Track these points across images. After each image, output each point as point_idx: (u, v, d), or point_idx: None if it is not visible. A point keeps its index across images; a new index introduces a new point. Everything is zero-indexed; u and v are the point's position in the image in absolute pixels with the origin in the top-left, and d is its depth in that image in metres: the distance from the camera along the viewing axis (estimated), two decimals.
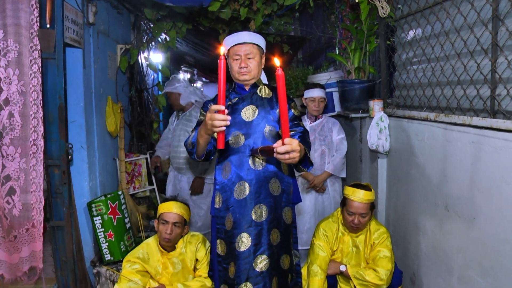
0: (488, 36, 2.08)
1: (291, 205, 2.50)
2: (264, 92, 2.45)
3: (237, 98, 2.42)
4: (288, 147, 1.76)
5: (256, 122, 2.39)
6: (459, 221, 2.33)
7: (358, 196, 2.73)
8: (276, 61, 1.74)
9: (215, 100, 2.46)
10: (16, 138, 2.98)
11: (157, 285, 2.68)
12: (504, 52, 1.99)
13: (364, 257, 2.87)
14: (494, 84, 2.07)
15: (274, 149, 1.79)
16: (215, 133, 1.95)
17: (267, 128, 2.38)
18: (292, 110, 2.42)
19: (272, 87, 2.50)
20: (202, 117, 2.43)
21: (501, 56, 2.01)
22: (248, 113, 2.40)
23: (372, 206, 2.80)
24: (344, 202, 2.82)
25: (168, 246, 2.76)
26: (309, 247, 2.97)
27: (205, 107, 2.47)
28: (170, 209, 2.71)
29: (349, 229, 2.84)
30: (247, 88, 2.45)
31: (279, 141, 1.78)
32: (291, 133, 2.31)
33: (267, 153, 2.03)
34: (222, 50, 1.87)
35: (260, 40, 2.38)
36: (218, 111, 1.85)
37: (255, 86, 2.46)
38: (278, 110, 2.41)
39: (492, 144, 2.05)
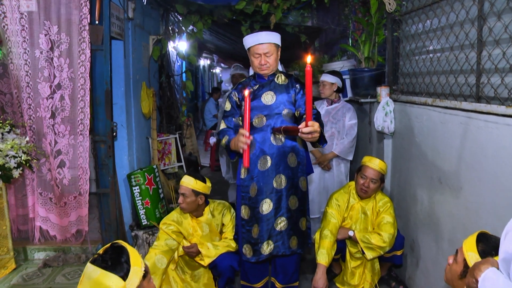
0: (475, 32, 2.43)
1: (305, 175, 2.95)
2: (280, 79, 2.87)
3: (257, 86, 2.84)
4: (311, 128, 2.20)
5: (275, 105, 2.81)
6: (449, 191, 2.71)
7: (374, 163, 3.15)
8: (308, 59, 2.12)
9: (237, 89, 2.89)
10: (66, 118, 3.45)
11: (189, 244, 3.13)
12: (487, 46, 2.34)
13: (371, 222, 3.27)
14: (478, 74, 2.42)
15: (300, 130, 2.22)
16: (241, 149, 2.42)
17: (285, 111, 2.81)
18: None
19: (287, 74, 2.91)
20: (228, 107, 2.90)
21: (484, 50, 2.36)
22: (267, 97, 2.82)
23: (382, 178, 3.20)
24: (360, 168, 3.23)
25: (189, 212, 3.18)
26: (322, 215, 3.37)
27: (230, 97, 2.91)
28: (181, 182, 3.09)
29: (359, 193, 3.24)
30: (266, 77, 2.86)
31: (303, 123, 2.21)
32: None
33: (291, 132, 2.50)
34: (247, 92, 2.28)
35: (277, 38, 2.76)
36: (244, 135, 2.33)
37: (272, 74, 2.87)
38: (293, 94, 2.82)
39: (475, 124, 2.41)
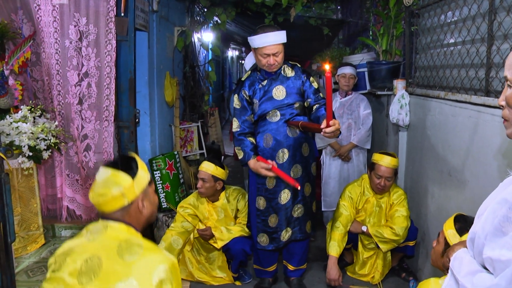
0: (486, 27, 2.45)
1: (315, 160, 3.11)
2: (287, 71, 2.93)
3: (265, 81, 2.90)
4: (334, 128, 2.33)
5: (286, 100, 2.90)
6: (457, 185, 2.75)
7: (386, 162, 3.17)
8: (326, 66, 2.19)
9: (245, 86, 2.96)
10: (92, 104, 3.64)
11: (204, 227, 3.28)
12: (496, 40, 2.36)
13: (385, 215, 3.32)
14: (488, 68, 2.45)
15: (322, 130, 2.37)
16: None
17: (297, 104, 2.91)
18: (313, 84, 2.92)
19: (292, 64, 2.97)
20: (238, 105, 2.97)
21: (494, 44, 2.39)
22: (278, 92, 2.90)
23: (396, 172, 3.25)
24: (373, 167, 3.24)
25: (205, 197, 3.30)
26: (336, 206, 3.44)
27: (239, 95, 2.96)
28: (201, 167, 3.23)
29: (375, 191, 3.28)
30: (272, 72, 2.92)
31: (324, 122, 2.35)
32: (316, 105, 2.83)
33: (310, 129, 2.67)
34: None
35: (283, 37, 2.77)
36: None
37: (278, 67, 2.92)
38: (301, 86, 2.91)
39: (483, 118, 2.44)
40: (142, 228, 1.69)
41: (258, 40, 2.74)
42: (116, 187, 1.56)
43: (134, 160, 1.66)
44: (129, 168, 1.61)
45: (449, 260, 1.29)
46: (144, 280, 1.46)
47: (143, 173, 1.64)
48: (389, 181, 3.20)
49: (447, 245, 1.82)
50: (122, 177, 1.57)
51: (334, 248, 3.14)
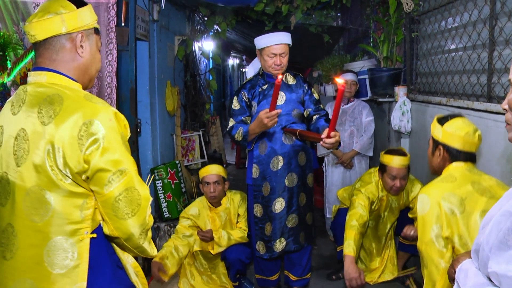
0: (487, 32, 2.45)
1: (312, 172, 3.05)
2: (289, 79, 2.92)
3: (266, 85, 2.89)
4: (333, 140, 2.31)
5: (285, 106, 2.87)
6: None
7: (397, 162, 2.93)
8: (339, 80, 2.16)
9: (246, 88, 2.94)
10: None
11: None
12: (498, 46, 2.36)
13: (399, 207, 3.22)
14: (490, 73, 2.44)
15: (323, 140, 2.33)
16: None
17: (295, 111, 2.89)
18: (314, 94, 2.90)
19: (294, 74, 2.97)
20: (236, 106, 2.93)
21: (496, 50, 2.38)
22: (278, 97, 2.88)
23: (408, 169, 3.04)
24: (384, 169, 3.00)
25: (215, 202, 3.27)
26: (349, 205, 3.14)
27: (239, 96, 2.93)
28: (209, 172, 3.18)
29: (391, 193, 3.09)
30: (274, 76, 2.86)
31: (325, 132, 2.31)
32: (316, 116, 2.82)
33: (309, 138, 2.64)
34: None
35: (289, 39, 2.82)
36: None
37: (283, 70, 2.89)
38: (302, 94, 2.90)
39: (486, 124, 2.43)
40: (86, 84, 1.46)
41: (266, 39, 2.76)
42: (56, 11, 1.35)
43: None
44: (77, 1, 1.41)
45: (454, 271, 1.27)
46: (70, 143, 1.24)
47: (91, 14, 1.43)
48: (404, 180, 3.00)
49: (434, 143, 2.09)
50: (66, 2, 1.37)
51: (351, 247, 2.82)
